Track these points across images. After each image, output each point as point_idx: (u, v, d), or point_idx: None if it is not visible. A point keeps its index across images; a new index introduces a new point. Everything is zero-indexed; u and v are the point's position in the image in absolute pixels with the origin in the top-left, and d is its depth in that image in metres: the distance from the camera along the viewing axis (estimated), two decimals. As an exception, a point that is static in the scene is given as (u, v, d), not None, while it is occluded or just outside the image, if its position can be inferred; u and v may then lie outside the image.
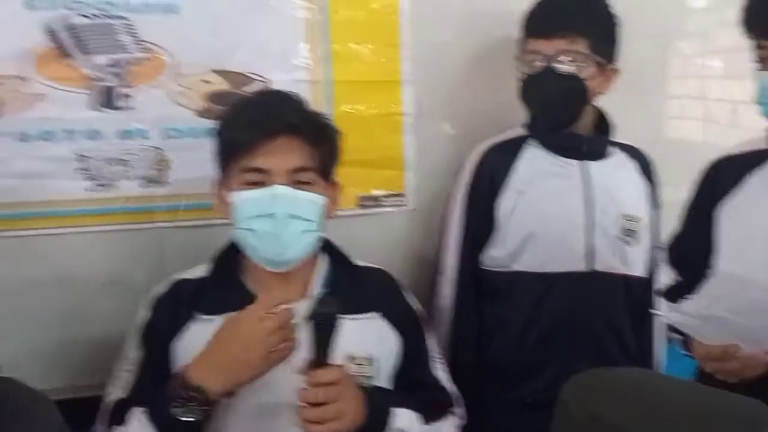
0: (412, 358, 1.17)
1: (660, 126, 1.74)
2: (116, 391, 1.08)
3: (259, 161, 1.03)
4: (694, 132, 1.79)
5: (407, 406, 1.07)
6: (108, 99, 1.29)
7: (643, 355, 1.43)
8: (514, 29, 1.35)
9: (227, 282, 1.11)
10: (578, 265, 1.33)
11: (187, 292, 1.11)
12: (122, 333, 1.14)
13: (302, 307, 1.08)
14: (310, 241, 1.09)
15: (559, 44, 1.27)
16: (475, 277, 1.39)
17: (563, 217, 1.34)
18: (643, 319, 1.42)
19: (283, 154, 1.04)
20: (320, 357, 0.93)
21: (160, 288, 1.13)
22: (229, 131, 1.08)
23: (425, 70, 1.48)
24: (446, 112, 1.52)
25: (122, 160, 1.31)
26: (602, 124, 1.40)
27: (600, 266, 1.34)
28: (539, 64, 1.28)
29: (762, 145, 1.16)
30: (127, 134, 1.31)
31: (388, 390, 1.11)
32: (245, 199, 1.04)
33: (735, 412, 0.59)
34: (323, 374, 0.93)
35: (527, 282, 1.35)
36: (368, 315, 1.14)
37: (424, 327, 1.23)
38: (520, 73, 1.33)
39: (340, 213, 1.44)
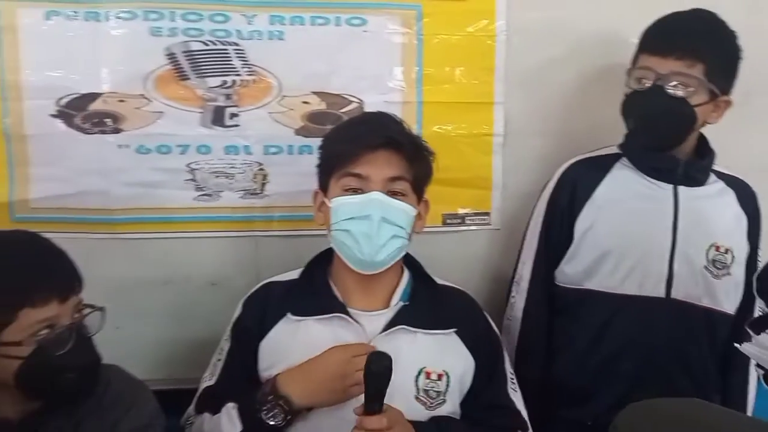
0: (487, 381, 1.19)
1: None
2: (208, 378, 1.19)
3: (360, 168, 1.12)
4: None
5: None
6: (217, 117, 1.41)
7: (731, 394, 1.36)
8: (613, 54, 1.34)
9: (316, 287, 1.19)
10: (654, 290, 1.30)
11: (277, 293, 1.20)
12: (220, 331, 1.25)
13: (384, 317, 1.15)
14: (399, 246, 1.15)
15: (674, 65, 1.22)
16: (548, 292, 1.38)
17: (645, 239, 1.30)
18: (729, 357, 1.34)
19: (382, 165, 1.13)
20: (372, 405, 0.99)
21: (253, 289, 1.23)
22: (334, 144, 1.18)
23: (517, 92, 1.50)
24: (536, 133, 1.53)
25: (226, 173, 1.43)
26: (702, 150, 1.34)
27: (678, 294, 1.29)
28: (649, 81, 1.24)
29: None
30: (232, 150, 1.43)
31: (445, 426, 1.14)
32: (345, 203, 1.13)
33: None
34: (372, 421, 0.99)
35: (597, 301, 1.32)
36: (444, 332, 1.17)
37: (502, 350, 1.25)
38: (628, 87, 1.29)
39: (426, 230, 1.51)
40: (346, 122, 1.28)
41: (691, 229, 1.30)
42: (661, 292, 1.29)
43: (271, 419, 1.06)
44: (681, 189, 1.31)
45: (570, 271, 1.35)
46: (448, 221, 1.53)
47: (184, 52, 1.39)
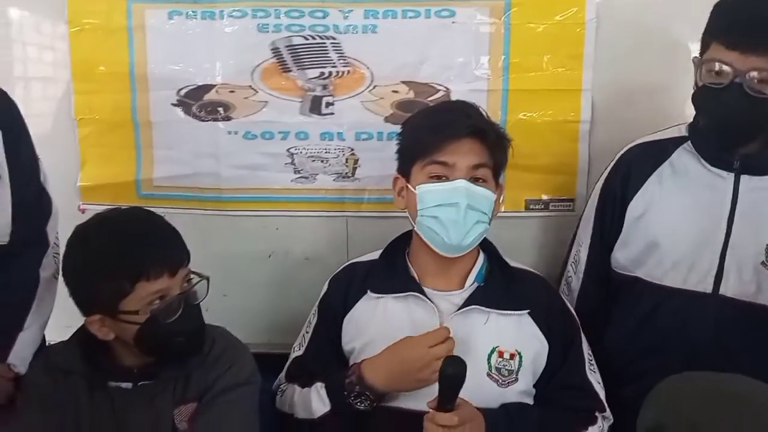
0: (563, 362, 1.22)
1: None
2: (297, 349, 1.32)
3: (446, 156, 1.18)
4: None
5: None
6: (315, 106, 1.54)
7: None
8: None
9: (395, 267, 1.27)
10: (700, 285, 1.24)
11: (359, 273, 1.29)
12: (312, 303, 1.36)
13: (458, 297, 1.22)
14: (482, 231, 1.20)
15: (756, 62, 1.12)
16: (605, 276, 1.35)
17: (696, 230, 1.24)
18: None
19: (466, 153, 1.18)
20: (444, 403, 1.05)
21: (338, 269, 1.33)
22: (419, 132, 1.23)
23: (604, 80, 1.51)
24: (622, 120, 1.52)
25: (322, 157, 1.55)
26: None
27: (728, 291, 1.23)
28: (726, 77, 1.15)
29: None
30: (327, 136, 1.55)
31: (517, 414, 1.17)
32: (431, 190, 1.18)
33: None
34: (444, 418, 1.05)
35: (643, 291, 1.29)
36: (517, 312, 1.21)
37: (579, 331, 1.26)
38: (699, 79, 1.20)
39: (507, 214, 1.55)
40: (428, 110, 1.34)
41: (749, 220, 1.22)
42: (708, 288, 1.24)
43: (359, 404, 1.16)
44: (744, 178, 1.23)
45: (621, 258, 1.32)
46: (532, 206, 1.57)
47: (287, 46, 1.51)
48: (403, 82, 1.52)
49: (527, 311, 1.22)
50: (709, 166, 1.26)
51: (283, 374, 1.32)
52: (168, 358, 1.13)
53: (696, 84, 1.22)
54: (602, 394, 1.23)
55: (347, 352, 1.25)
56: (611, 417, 1.23)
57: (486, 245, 1.28)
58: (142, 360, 1.13)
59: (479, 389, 1.15)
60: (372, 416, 1.18)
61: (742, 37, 1.13)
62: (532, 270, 1.32)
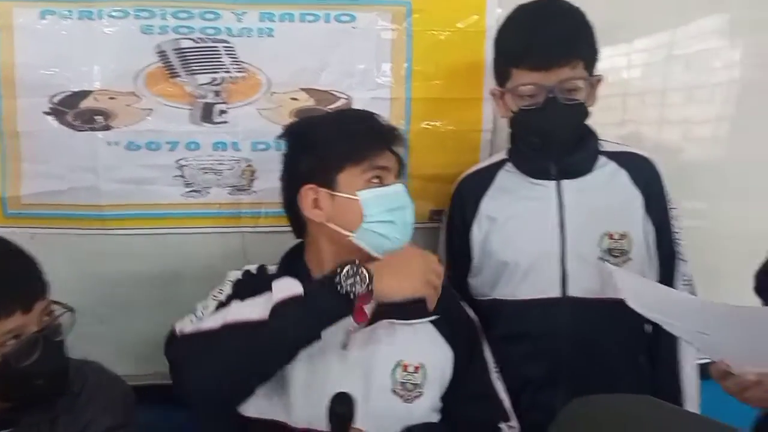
0: (468, 370, 1.18)
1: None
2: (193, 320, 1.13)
3: (384, 161, 1.14)
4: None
5: None
6: (206, 114, 1.43)
7: (661, 385, 1.31)
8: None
9: (300, 279, 1.15)
10: (550, 291, 1.27)
11: (262, 279, 1.18)
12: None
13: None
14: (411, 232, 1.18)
15: (561, 73, 1.20)
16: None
17: (534, 241, 1.29)
18: (639, 344, 1.32)
19: (394, 157, 1.17)
20: None
21: (238, 273, 1.21)
22: (353, 139, 1.14)
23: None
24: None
25: (215, 169, 1.44)
26: (585, 136, 1.31)
27: (575, 292, 1.26)
28: (538, 96, 1.21)
29: None
30: (221, 146, 1.44)
31: None
32: (379, 195, 1.13)
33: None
34: None
35: (503, 310, 1.30)
36: (421, 321, 1.16)
37: (480, 337, 1.23)
38: (506, 107, 1.28)
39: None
40: (342, 117, 1.26)
41: (578, 222, 1.27)
42: (557, 292, 1.27)
43: (356, 286, 1.00)
44: (564, 183, 1.29)
45: (477, 284, 1.35)
46: (435, 217, 1.53)
47: (175, 49, 1.40)
48: (303, 89, 1.44)
49: (430, 320, 1.17)
50: (531, 179, 1.32)
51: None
52: (28, 403, 0.99)
53: (510, 111, 1.27)
54: (507, 402, 1.20)
55: None
56: (517, 425, 1.19)
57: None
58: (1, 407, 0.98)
59: (384, 407, 1.10)
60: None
61: (542, 57, 1.20)
62: None
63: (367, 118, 1.22)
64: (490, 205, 1.34)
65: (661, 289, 1.14)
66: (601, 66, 1.28)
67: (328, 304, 1.01)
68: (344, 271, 1.01)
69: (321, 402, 1.04)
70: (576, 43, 1.22)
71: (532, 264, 1.29)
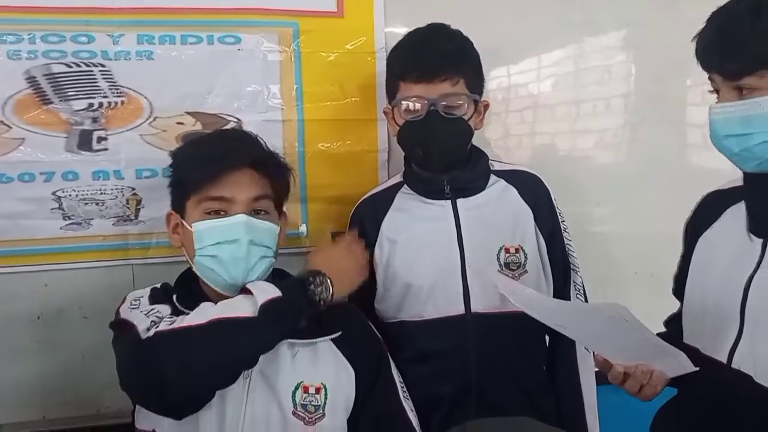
0: (372, 390, 1.17)
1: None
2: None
3: (223, 191, 1.09)
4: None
5: None
6: (84, 142, 1.35)
7: (562, 392, 1.36)
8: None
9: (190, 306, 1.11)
10: (454, 309, 1.29)
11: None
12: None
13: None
14: (267, 266, 1.13)
15: (442, 88, 1.24)
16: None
17: (435, 261, 1.30)
18: (541, 353, 1.37)
19: (247, 185, 1.11)
20: None
21: (141, 292, 1.15)
22: (191, 164, 1.13)
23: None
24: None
25: (96, 199, 1.37)
26: (474, 157, 1.35)
27: (478, 307, 1.29)
28: (421, 108, 1.25)
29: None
30: (101, 175, 1.36)
31: None
32: (209, 227, 1.09)
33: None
34: None
35: (410, 331, 1.31)
36: (320, 340, 1.15)
37: (386, 356, 1.23)
38: (396, 123, 1.30)
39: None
40: (199, 140, 1.24)
41: (476, 239, 1.30)
42: (461, 309, 1.29)
43: (321, 292, 1.07)
44: (459, 202, 1.32)
45: (383, 309, 1.35)
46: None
47: (46, 75, 1.32)
48: (188, 113, 1.39)
49: (330, 338, 1.15)
50: (426, 200, 1.34)
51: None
52: None
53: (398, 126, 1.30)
54: (415, 422, 1.19)
55: None
56: None
57: (284, 276, 1.20)
58: None
59: (288, 429, 1.08)
60: None
61: (426, 69, 1.25)
62: (338, 299, 1.24)
63: (221, 140, 1.20)
64: (389, 227, 1.34)
65: (529, 292, 1.19)
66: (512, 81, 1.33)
67: (303, 309, 1.07)
68: (315, 279, 1.08)
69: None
70: (458, 61, 1.26)
71: (434, 283, 1.30)
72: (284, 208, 1.20)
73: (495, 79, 1.58)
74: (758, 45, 0.92)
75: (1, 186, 1.32)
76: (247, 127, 1.41)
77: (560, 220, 1.38)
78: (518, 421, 0.62)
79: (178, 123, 1.39)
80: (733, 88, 0.95)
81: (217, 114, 1.41)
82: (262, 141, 1.18)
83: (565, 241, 1.37)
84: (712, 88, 1.01)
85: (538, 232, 1.34)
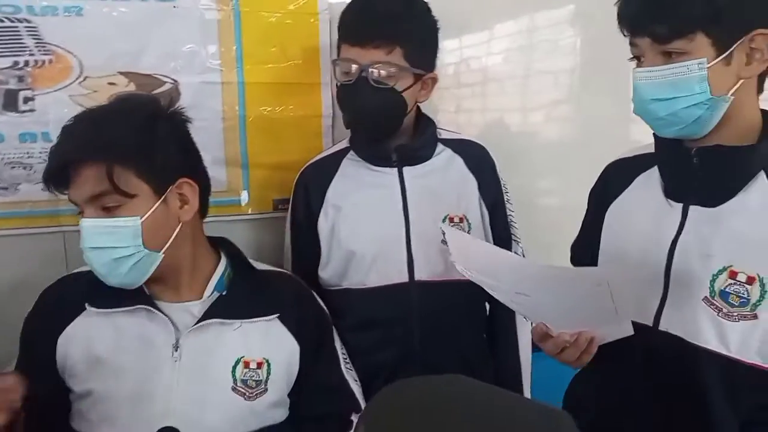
0: (315, 363, 1.16)
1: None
2: None
3: (70, 194, 1.04)
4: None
5: None
6: (9, 102, 1.28)
7: (501, 362, 1.39)
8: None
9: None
10: (398, 277, 1.28)
11: (76, 286, 1.11)
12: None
13: (197, 309, 1.09)
14: (133, 263, 1.03)
15: (374, 54, 1.20)
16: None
17: (381, 229, 1.29)
18: (481, 321, 1.39)
19: (80, 184, 1.02)
20: None
21: (48, 285, 1.13)
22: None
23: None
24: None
25: (23, 163, 1.30)
26: (422, 125, 1.34)
27: (422, 275, 1.29)
28: (353, 73, 1.22)
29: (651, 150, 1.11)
30: (29, 137, 1.30)
31: None
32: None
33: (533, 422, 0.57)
34: None
35: (353, 299, 1.31)
36: (265, 318, 1.13)
37: (330, 329, 1.22)
38: (336, 79, 1.28)
39: (254, 216, 1.46)
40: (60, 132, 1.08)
41: (421, 207, 1.30)
42: (404, 277, 1.29)
43: None
44: (406, 170, 1.31)
45: (326, 276, 1.33)
46: (280, 207, 1.48)
47: (-34, 30, 1.24)
48: (121, 73, 1.33)
49: (276, 315, 1.13)
50: (373, 167, 1.32)
51: None
52: None
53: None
54: (358, 392, 1.20)
55: (74, 387, 1.07)
56: None
57: (229, 249, 1.18)
58: None
59: (226, 406, 1.06)
60: None
61: (360, 33, 1.22)
62: (282, 270, 1.26)
63: (61, 134, 1.06)
64: (335, 193, 1.32)
65: (488, 248, 1.16)
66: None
67: None
68: None
69: (150, 415, 1.01)
70: (396, 29, 1.22)
71: (379, 251, 1.29)
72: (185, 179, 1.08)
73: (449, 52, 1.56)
74: (691, 6, 0.91)
75: None
76: (184, 89, 1.37)
77: (504, 191, 1.38)
78: (450, 378, 0.61)
79: (110, 83, 1.33)
80: (661, 52, 0.94)
81: (152, 74, 1.35)
82: (99, 120, 1.05)
83: (508, 212, 1.38)
84: (632, 55, 1.00)
85: (482, 202, 1.35)
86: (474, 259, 1.07)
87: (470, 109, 1.67)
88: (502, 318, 1.38)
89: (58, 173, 1.02)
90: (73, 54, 1.30)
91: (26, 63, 1.28)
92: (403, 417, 0.60)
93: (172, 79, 1.36)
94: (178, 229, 1.07)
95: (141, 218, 1.02)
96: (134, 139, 1.02)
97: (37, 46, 1.28)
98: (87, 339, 1.07)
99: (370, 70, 1.21)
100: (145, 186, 1.03)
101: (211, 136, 1.38)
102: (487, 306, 1.40)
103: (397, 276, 1.29)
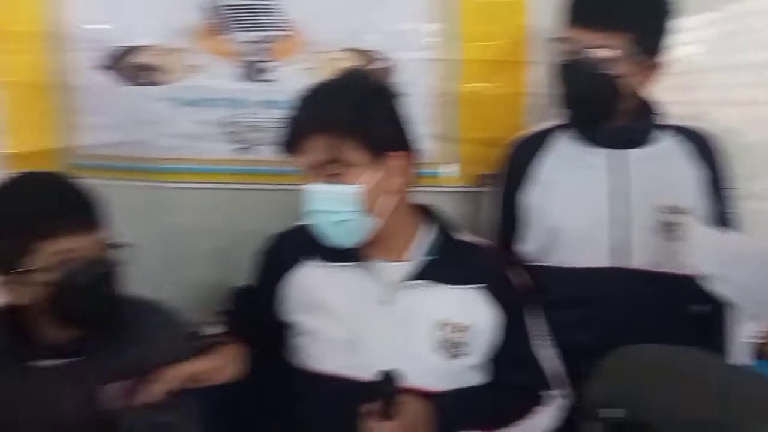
0: (515, 335, 1.20)
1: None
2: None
3: (297, 161, 1.14)
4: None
5: (480, 425, 1.14)
6: (253, 72, 1.45)
7: None
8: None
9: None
10: (605, 260, 1.26)
11: (292, 242, 1.25)
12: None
13: (407, 268, 1.18)
14: (351, 228, 1.14)
15: (599, 37, 1.18)
16: None
17: (589, 210, 1.27)
18: (686, 321, 1.30)
19: (306, 153, 1.12)
20: (383, 414, 1.02)
21: (281, 230, 1.29)
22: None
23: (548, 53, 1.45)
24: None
25: (263, 127, 1.47)
26: (644, 111, 1.29)
27: (630, 262, 1.25)
28: (572, 53, 1.21)
29: None
30: (266, 104, 1.46)
31: (464, 406, 1.15)
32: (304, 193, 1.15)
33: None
34: (383, 427, 1.02)
35: (551, 277, 1.30)
36: (471, 286, 1.18)
37: (529, 305, 1.25)
38: (556, 57, 1.26)
39: (460, 189, 1.52)
40: (298, 99, 1.19)
41: (637, 193, 1.26)
42: (611, 262, 1.27)
43: None
44: (620, 153, 1.28)
45: (528, 250, 1.34)
46: (485, 181, 1.50)
47: (224, 6, 1.41)
48: (346, 49, 1.44)
49: (482, 285, 1.19)
50: (585, 147, 1.30)
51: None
52: (87, 328, 1.07)
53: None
54: (552, 371, 1.22)
55: (292, 324, 1.22)
56: (564, 395, 1.22)
57: (438, 218, 1.25)
58: (69, 335, 1.07)
59: (428, 362, 1.14)
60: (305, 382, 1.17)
61: (587, 15, 1.20)
62: (487, 242, 1.30)
63: (301, 101, 1.16)
64: (543, 170, 1.33)
65: (742, 240, 1.12)
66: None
67: None
68: None
69: (360, 362, 1.13)
70: (625, 12, 1.19)
71: (585, 232, 1.28)
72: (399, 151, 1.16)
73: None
74: None
75: (181, 109, 1.46)
76: (401, 66, 1.44)
77: (730, 187, 1.30)
78: (689, 351, 0.63)
79: (335, 59, 1.44)
80: None
81: (371, 51, 1.44)
82: (337, 95, 1.15)
83: (732, 209, 1.31)
84: None
85: (706, 196, 1.28)
86: (719, 252, 1.03)
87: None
88: (716, 322, 1.31)
89: (291, 141, 1.15)
90: (307, 29, 1.43)
91: (269, 37, 1.43)
92: (640, 376, 0.62)
93: (390, 57, 1.44)
94: (390, 198, 1.16)
95: (361, 186, 1.12)
96: (358, 114, 1.11)
97: (279, 22, 1.42)
98: (306, 285, 1.21)
99: (591, 51, 1.20)
100: (365, 157, 1.12)
101: (424, 111, 1.45)
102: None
103: (602, 259, 1.28)
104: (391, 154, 1.14)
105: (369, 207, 1.14)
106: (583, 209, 1.29)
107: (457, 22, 1.45)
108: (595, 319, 1.28)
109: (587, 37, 1.20)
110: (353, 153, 1.11)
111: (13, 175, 1.10)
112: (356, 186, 1.12)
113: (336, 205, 1.13)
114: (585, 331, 1.28)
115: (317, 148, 1.11)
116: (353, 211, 1.13)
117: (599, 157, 1.29)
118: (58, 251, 1.01)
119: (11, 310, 1.08)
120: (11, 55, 1.43)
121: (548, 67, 1.34)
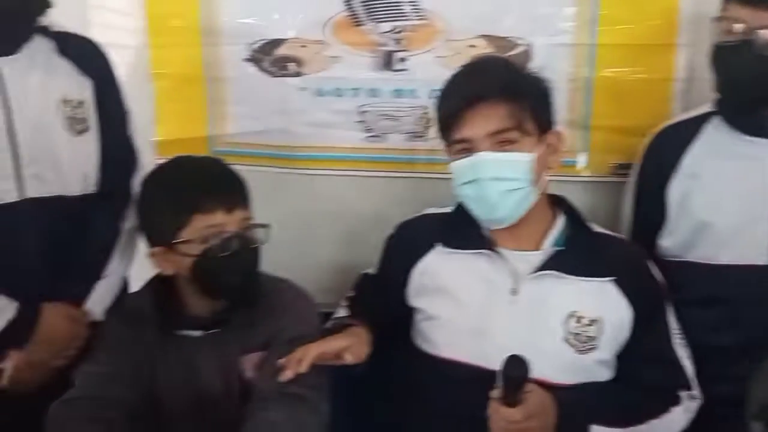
0: (648, 333, 1.15)
1: None
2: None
3: (462, 132, 1.12)
4: None
5: (608, 420, 1.09)
6: (387, 62, 1.48)
7: None
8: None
9: (467, 223, 1.20)
10: (756, 258, 1.18)
11: (430, 224, 1.25)
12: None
13: (536, 259, 1.16)
14: (520, 197, 1.12)
15: (763, 17, 1.09)
16: None
17: (745, 205, 1.18)
18: None
19: (482, 121, 1.10)
20: (508, 399, 0.99)
21: (409, 217, 1.30)
22: (439, 105, 1.18)
23: (705, 35, 1.36)
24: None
25: (393, 116, 1.50)
26: None
27: None
28: (737, 34, 1.12)
29: None
30: (399, 93, 1.49)
31: (592, 400, 1.11)
32: (456, 168, 1.15)
33: None
34: (508, 413, 1.00)
35: (698, 273, 1.21)
36: (602, 279, 1.14)
37: (666, 301, 1.19)
38: (716, 37, 1.17)
39: (590, 179, 1.47)
40: (452, 77, 1.19)
41: None
42: (763, 260, 1.18)
43: None
44: None
45: (669, 244, 1.26)
46: (618, 172, 1.46)
47: (361, -2, 1.46)
48: (481, 36, 1.43)
49: (613, 278, 1.14)
50: (744, 136, 1.22)
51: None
52: (224, 298, 1.14)
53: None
54: (690, 371, 1.16)
55: (419, 309, 1.23)
56: (699, 396, 1.15)
57: (568, 208, 1.22)
58: (210, 308, 1.15)
59: (555, 354, 1.12)
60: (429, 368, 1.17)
61: None
62: (619, 235, 1.25)
63: (462, 75, 1.17)
64: (693, 161, 1.25)
65: None
66: None
67: None
68: None
69: (487, 351, 1.11)
70: None
71: (739, 227, 1.20)
72: (555, 127, 1.17)
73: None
74: None
75: (318, 98, 1.52)
76: (536, 52, 1.42)
77: None
78: None
79: (470, 46, 1.44)
80: None
81: (508, 37, 1.42)
82: (508, 65, 1.18)
83: None
84: None
85: None
86: None
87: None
88: None
89: (463, 109, 1.10)
90: (441, 18, 1.44)
91: (403, 27, 1.45)
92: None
93: (527, 42, 1.42)
94: (548, 175, 1.15)
95: (533, 156, 1.12)
96: (534, 85, 1.15)
97: (413, 11, 1.45)
98: (437, 271, 1.21)
99: (759, 33, 1.11)
100: (535, 128, 1.12)
101: (557, 97, 1.40)
102: None
103: (757, 256, 1.20)
104: (550, 131, 1.15)
105: (535, 178, 1.13)
106: (735, 203, 1.21)
107: (596, 5, 1.39)
108: (741, 319, 1.20)
109: (755, 16, 1.12)
110: (528, 123, 1.11)
111: (179, 156, 1.22)
112: (531, 154, 1.12)
113: (510, 172, 1.11)
114: (728, 330, 1.21)
115: (497, 116, 1.10)
116: (525, 179, 1.12)
117: (757, 147, 1.20)
118: (210, 225, 1.09)
119: (161, 281, 1.18)
120: (166, 48, 1.56)
121: (705, 50, 1.24)
